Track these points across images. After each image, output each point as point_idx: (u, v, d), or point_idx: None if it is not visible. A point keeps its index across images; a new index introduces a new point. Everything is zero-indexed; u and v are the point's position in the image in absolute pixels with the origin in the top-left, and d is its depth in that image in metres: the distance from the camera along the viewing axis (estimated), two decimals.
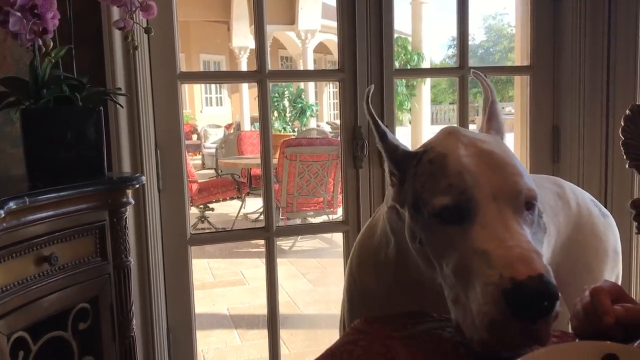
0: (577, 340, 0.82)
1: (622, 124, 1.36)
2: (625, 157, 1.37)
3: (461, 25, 2.22)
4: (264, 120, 2.11)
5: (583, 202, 1.51)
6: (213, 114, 17.93)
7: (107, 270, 1.49)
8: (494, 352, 0.75)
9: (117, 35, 1.80)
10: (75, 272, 1.41)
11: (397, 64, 11.55)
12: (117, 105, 1.77)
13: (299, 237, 5.67)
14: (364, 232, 1.15)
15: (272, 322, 2.16)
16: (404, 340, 0.86)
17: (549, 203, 1.42)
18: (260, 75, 2.07)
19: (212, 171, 8.12)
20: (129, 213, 1.82)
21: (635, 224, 1.37)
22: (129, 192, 1.55)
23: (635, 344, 0.72)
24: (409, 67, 11.51)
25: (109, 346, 1.50)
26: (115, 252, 1.52)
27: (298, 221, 5.78)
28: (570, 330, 0.88)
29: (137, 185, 1.57)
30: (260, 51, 2.08)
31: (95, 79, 1.74)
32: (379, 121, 0.93)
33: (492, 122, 1.00)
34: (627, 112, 1.36)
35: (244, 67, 14.28)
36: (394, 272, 1.02)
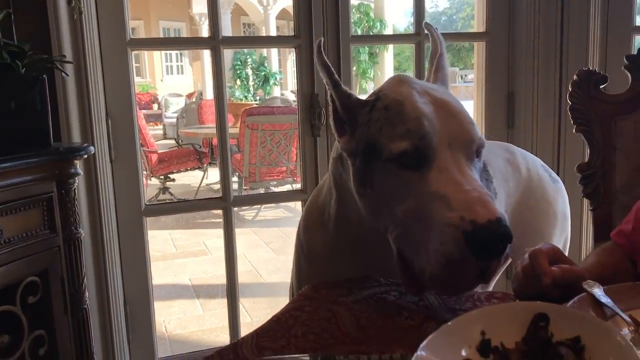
0: (516, 301, 0.84)
1: (570, 89, 1.38)
2: (572, 122, 1.39)
3: None
4: (218, 88, 2.08)
5: (533, 168, 1.54)
6: (174, 82, 17.58)
7: (56, 243, 1.46)
8: (442, 286, 0.80)
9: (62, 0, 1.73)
10: (23, 245, 1.38)
11: (359, 31, 11.50)
12: (64, 74, 1.71)
13: (262, 206, 5.66)
14: (312, 195, 1.15)
15: (231, 291, 2.16)
16: (349, 304, 0.86)
17: (499, 168, 1.44)
18: (213, 42, 2.02)
19: (174, 141, 7.99)
20: (80, 184, 1.78)
21: (581, 187, 1.40)
22: (77, 162, 1.51)
23: (569, 304, 0.74)
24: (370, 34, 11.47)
25: (61, 320, 1.48)
26: (65, 224, 1.49)
27: (261, 191, 5.76)
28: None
29: (85, 156, 1.53)
30: (213, 16, 2.03)
31: (39, 46, 1.68)
32: (333, 70, 0.92)
33: (439, 73, 1.02)
34: (575, 77, 1.38)
35: (204, 34, 13.97)
36: (335, 229, 1.02)
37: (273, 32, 13.56)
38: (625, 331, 0.71)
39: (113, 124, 1.92)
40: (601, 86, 1.38)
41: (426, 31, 1.11)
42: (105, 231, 1.91)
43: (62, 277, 1.48)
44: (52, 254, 1.45)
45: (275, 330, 0.79)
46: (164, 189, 5.98)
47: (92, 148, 1.54)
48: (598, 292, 0.78)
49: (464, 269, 0.75)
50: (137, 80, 16.95)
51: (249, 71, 13.63)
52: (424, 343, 0.57)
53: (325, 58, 0.92)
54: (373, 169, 0.86)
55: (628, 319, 0.72)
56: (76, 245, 1.52)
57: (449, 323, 0.61)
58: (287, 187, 5.71)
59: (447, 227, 0.75)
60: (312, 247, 1.09)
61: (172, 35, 18.06)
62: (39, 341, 1.44)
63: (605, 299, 0.76)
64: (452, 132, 0.82)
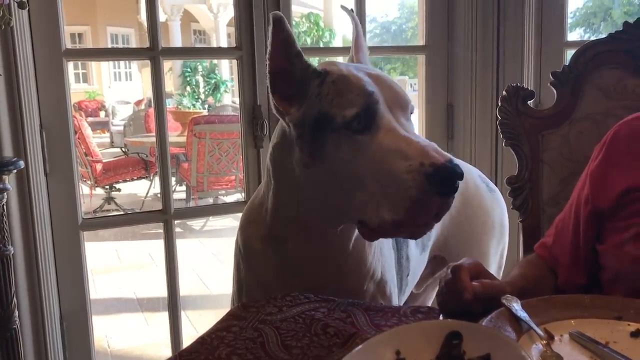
0: (441, 316, 0.86)
1: (499, 104, 1.43)
2: (502, 136, 1.43)
3: (359, 5, 2.22)
4: (158, 99, 2.05)
5: (470, 178, 1.59)
6: (122, 89, 17.21)
7: None
8: (404, 230, 0.89)
9: None
10: None
11: (309, 41, 11.52)
12: None
13: (210, 216, 5.60)
14: (250, 200, 1.19)
15: (173, 305, 2.12)
16: (277, 323, 0.87)
17: None
18: (153, 53, 1.99)
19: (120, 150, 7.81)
20: (12, 199, 1.73)
21: (510, 199, 1.44)
22: (6, 177, 1.47)
23: (484, 322, 0.76)
24: (320, 44, 11.53)
25: None
26: None
27: (210, 200, 5.70)
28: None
29: (15, 170, 1.48)
30: (152, 27, 2.00)
31: None
32: (296, 40, 0.96)
33: (360, 54, 1.12)
34: (504, 93, 1.42)
35: None
36: (271, 221, 1.06)
37: (224, 39, 13.46)
38: (539, 345, 0.73)
39: (48, 136, 1.86)
40: (529, 101, 1.43)
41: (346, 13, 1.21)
42: (39, 247, 1.85)
43: None
44: None
45: (199, 352, 0.79)
46: (109, 199, 5.84)
47: (21, 163, 1.49)
48: (515, 306, 0.80)
49: (427, 207, 0.86)
50: (83, 86, 16.55)
51: (200, 78, 13.46)
52: None
53: (288, 26, 0.94)
54: (325, 140, 0.92)
55: (541, 333, 0.75)
56: (5, 263, 1.47)
57: (361, 346, 0.62)
58: (236, 197, 5.66)
59: (409, 173, 0.85)
60: (249, 244, 1.13)
61: (120, 41, 17.71)
62: None
63: (521, 313, 0.79)
64: (389, 97, 0.93)
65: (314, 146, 0.93)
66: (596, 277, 1.00)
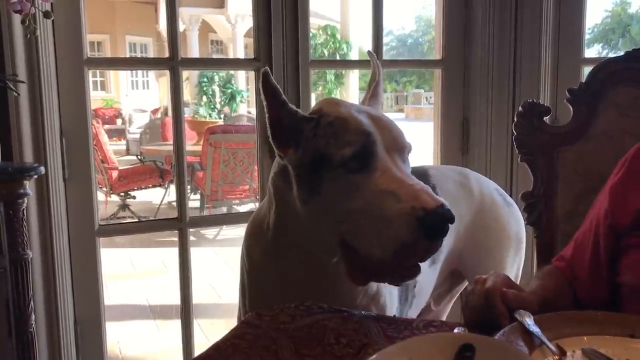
0: (456, 329, 0.86)
1: (515, 120, 1.43)
2: (517, 151, 1.44)
3: (376, 18, 2.24)
4: (176, 108, 2.08)
5: (487, 191, 1.60)
6: (139, 97, 17.38)
7: (2, 265, 1.44)
8: (387, 271, 0.93)
9: (17, 17, 1.71)
10: None
11: (325, 53, 11.58)
12: (15, 93, 1.69)
13: (223, 225, 5.62)
14: (255, 210, 1.21)
15: (185, 313, 2.14)
16: (290, 332, 0.88)
17: (449, 191, 1.51)
18: (172, 63, 2.03)
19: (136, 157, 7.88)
20: (31, 204, 1.76)
21: (525, 214, 1.44)
22: (27, 182, 1.49)
23: (500, 332, 0.77)
24: (337, 56, 11.57)
25: (4, 343, 1.45)
26: (12, 245, 1.46)
27: (224, 209, 5.72)
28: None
29: (35, 176, 1.51)
30: (172, 37, 2.03)
31: None
32: (281, 91, 0.99)
33: (373, 99, 1.14)
34: (520, 109, 1.43)
35: None
36: (272, 237, 1.09)
37: (241, 50, 13.55)
38: None
39: (67, 142, 1.90)
40: (545, 117, 1.43)
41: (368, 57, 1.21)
42: (56, 251, 1.88)
43: (7, 299, 1.45)
44: None
45: (213, 359, 0.80)
46: (124, 206, 5.89)
47: (42, 168, 1.52)
48: (528, 321, 0.81)
49: (414, 250, 0.87)
50: (101, 94, 16.73)
51: (216, 88, 13.56)
52: None
53: (272, 80, 0.98)
54: (321, 177, 0.96)
55: (553, 349, 0.75)
56: (23, 267, 1.49)
57: (374, 356, 0.63)
58: (250, 206, 5.68)
59: (401, 216, 0.86)
60: (251, 255, 1.17)
61: (138, 50, 17.91)
62: None
63: (534, 329, 0.79)
64: (387, 139, 0.96)
65: (311, 184, 0.97)
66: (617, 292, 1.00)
